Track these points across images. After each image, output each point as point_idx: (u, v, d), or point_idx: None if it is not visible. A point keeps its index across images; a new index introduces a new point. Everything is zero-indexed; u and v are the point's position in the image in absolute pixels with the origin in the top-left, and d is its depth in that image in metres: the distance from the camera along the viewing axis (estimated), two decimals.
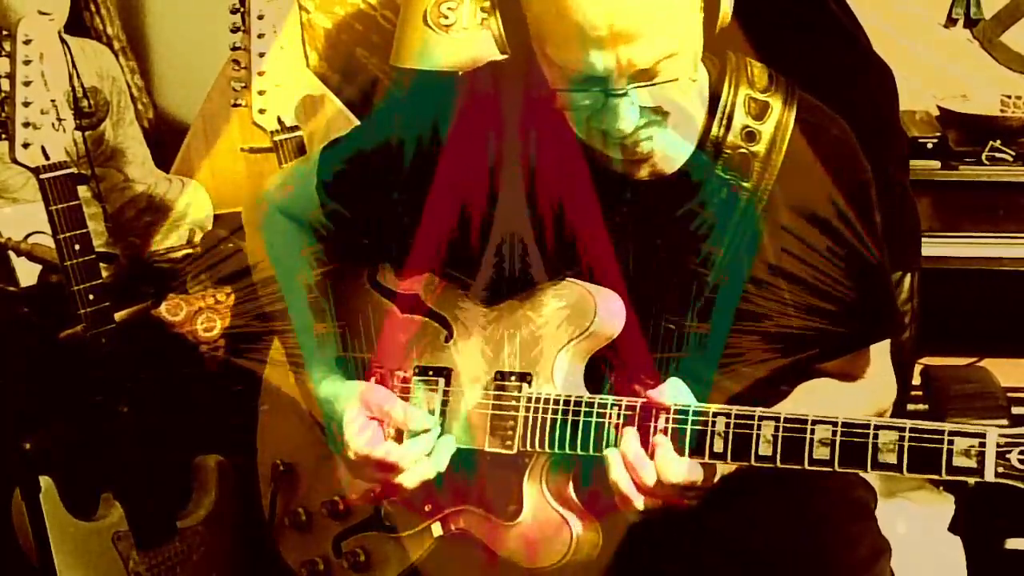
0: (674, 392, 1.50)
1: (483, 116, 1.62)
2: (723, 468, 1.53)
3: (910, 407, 2.24)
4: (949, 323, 2.46)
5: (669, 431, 1.47)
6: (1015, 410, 2.24)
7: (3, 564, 2.24)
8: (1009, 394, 2.29)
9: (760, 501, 1.60)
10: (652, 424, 1.48)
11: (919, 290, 2.26)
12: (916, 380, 2.38)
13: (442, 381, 1.66)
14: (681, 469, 1.45)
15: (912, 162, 2.53)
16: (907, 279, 2.25)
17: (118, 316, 2.27)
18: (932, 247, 2.65)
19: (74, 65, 2.40)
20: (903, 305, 2.24)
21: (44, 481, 2.13)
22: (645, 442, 1.48)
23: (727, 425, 1.46)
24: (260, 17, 2.53)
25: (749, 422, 1.45)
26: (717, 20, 1.47)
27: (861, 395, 1.65)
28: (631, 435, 1.48)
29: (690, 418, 1.47)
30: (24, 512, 2.13)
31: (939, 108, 2.96)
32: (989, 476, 1.34)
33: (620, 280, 1.60)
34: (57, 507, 2.14)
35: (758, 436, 1.44)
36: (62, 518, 2.14)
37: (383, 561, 1.73)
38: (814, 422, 1.42)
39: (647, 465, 1.46)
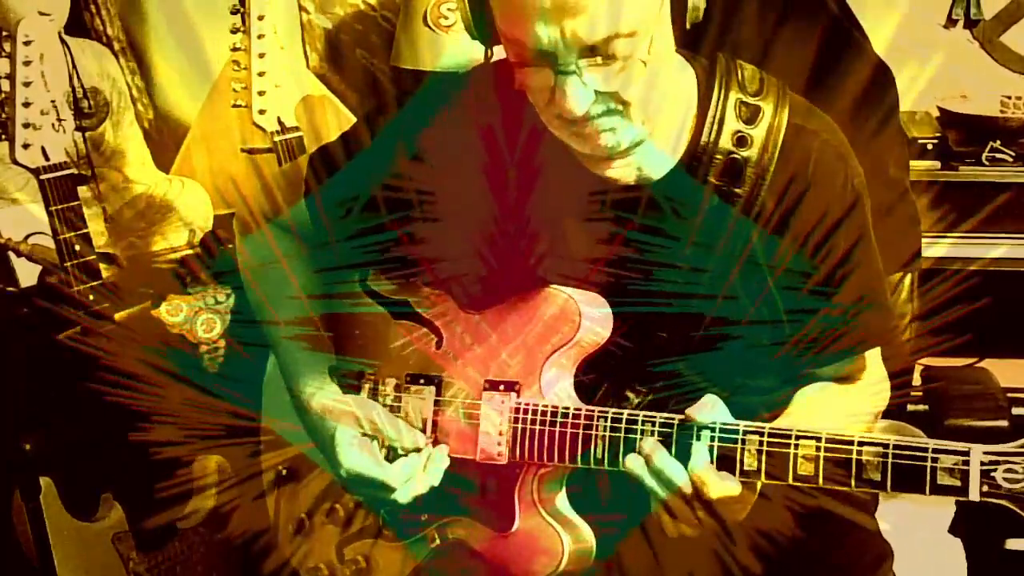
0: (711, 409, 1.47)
1: (475, 120, 1.61)
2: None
3: (910, 407, 2.24)
4: (949, 323, 2.45)
5: (716, 447, 1.44)
6: (1015, 410, 2.24)
7: (3, 564, 2.24)
8: (1009, 394, 2.29)
9: (762, 506, 1.60)
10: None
11: (919, 290, 2.26)
12: (916, 380, 2.38)
13: (433, 389, 1.66)
14: (719, 482, 1.43)
15: (912, 162, 2.53)
16: (907, 279, 2.25)
17: (118, 316, 2.27)
18: (932, 247, 2.65)
19: (74, 66, 2.40)
20: (903, 305, 2.24)
21: (44, 481, 2.13)
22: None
23: (711, 439, 1.45)
24: (260, 17, 2.53)
25: (734, 435, 1.44)
26: (687, 13, 1.44)
27: (860, 398, 1.64)
28: (656, 446, 1.46)
29: (675, 432, 1.46)
30: (24, 512, 2.13)
31: (939, 108, 2.96)
32: (973, 495, 1.32)
33: (606, 288, 1.59)
34: (57, 507, 2.14)
35: (742, 450, 1.43)
36: (62, 518, 2.14)
37: (384, 568, 1.73)
38: (798, 436, 1.41)
39: (685, 477, 1.44)
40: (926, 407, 2.29)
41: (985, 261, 2.78)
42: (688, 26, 1.45)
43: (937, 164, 2.79)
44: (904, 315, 2.24)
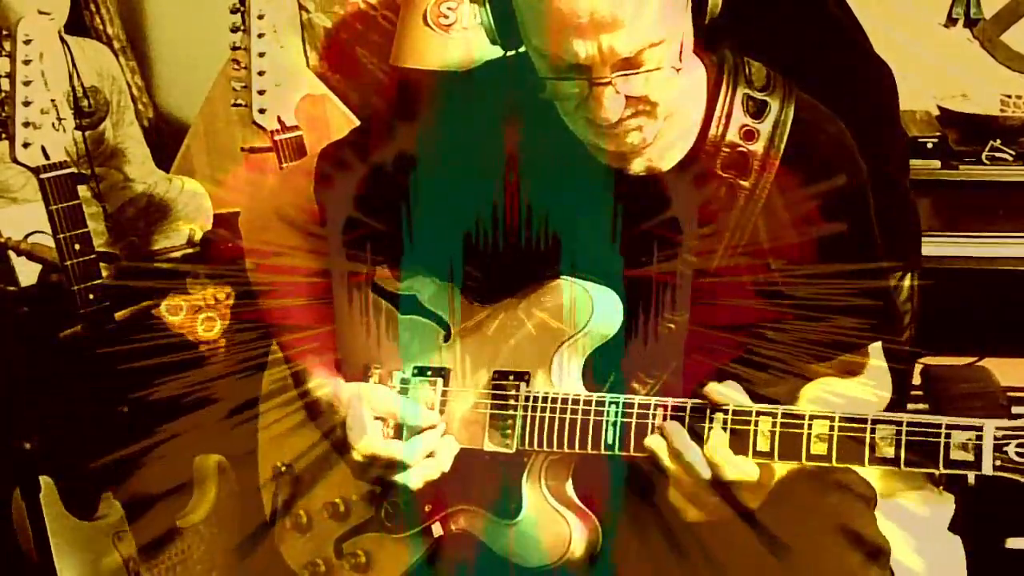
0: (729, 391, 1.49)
1: (481, 114, 1.62)
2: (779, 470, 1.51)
3: (910, 407, 2.23)
4: (949, 323, 2.46)
5: (729, 430, 1.45)
6: (1015, 410, 2.24)
7: (3, 564, 2.24)
8: (1009, 394, 2.29)
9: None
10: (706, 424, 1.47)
11: (919, 290, 2.26)
12: (916, 380, 2.38)
13: (440, 381, 1.66)
14: (735, 465, 1.44)
15: (912, 162, 2.53)
16: (907, 279, 2.25)
17: (118, 316, 2.27)
18: (932, 247, 2.65)
19: (74, 65, 2.41)
20: (903, 305, 2.24)
21: (44, 481, 2.13)
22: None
23: (724, 421, 1.46)
24: (260, 17, 2.53)
25: (747, 417, 1.45)
26: (707, 10, 1.46)
27: (862, 392, 1.65)
28: (679, 430, 1.47)
29: (687, 416, 1.47)
30: (24, 512, 2.13)
31: (939, 108, 2.95)
32: (987, 469, 1.34)
33: (616, 279, 1.60)
34: (57, 507, 2.14)
35: (755, 431, 1.44)
36: (62, 518, 2.14)
37: (384, 562, 1.73)
38: (812, 416, 1.42)
39: (702, 460, 1.45)
40: (926, 406, 2.29)
41: (985, 261, 2.78)
42: (707, 21, 1.47)
43: (937, 164, 2.79)
44: (904, 314, 2.24)
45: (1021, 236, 2.78)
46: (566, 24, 1.38)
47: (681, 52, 1.44)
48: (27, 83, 2.12)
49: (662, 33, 1.41)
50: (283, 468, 1.82)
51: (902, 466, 1.38)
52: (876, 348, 1.68)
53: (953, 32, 3.11)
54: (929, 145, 2.81)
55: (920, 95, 3.00)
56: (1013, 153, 2.78)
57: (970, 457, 1.35)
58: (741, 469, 1.44)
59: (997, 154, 2.78)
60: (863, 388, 1.65)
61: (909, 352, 2.27)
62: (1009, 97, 2.95)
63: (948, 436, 1.36)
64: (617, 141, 1.49)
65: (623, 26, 1.37)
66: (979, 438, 1.34)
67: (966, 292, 2.75)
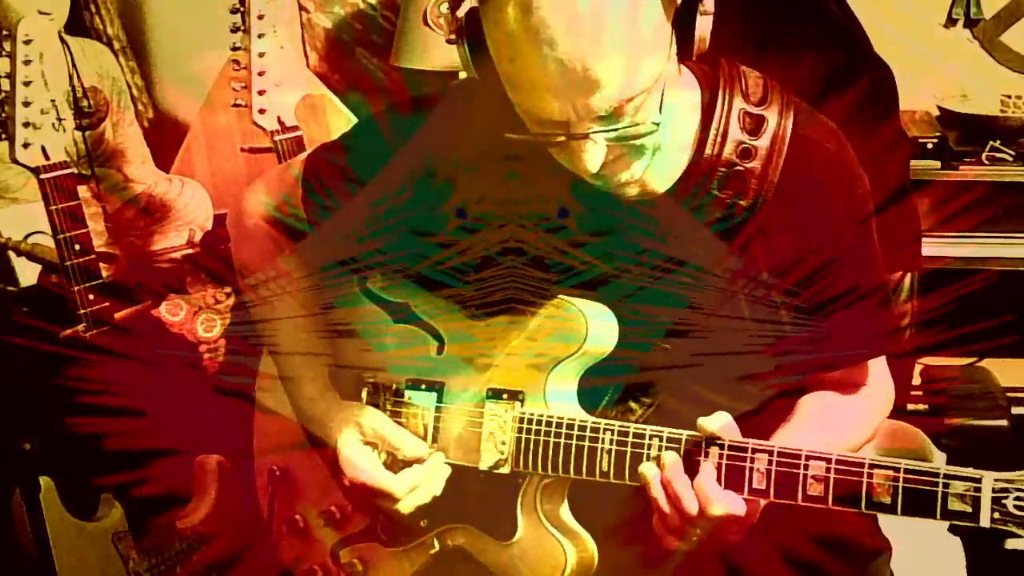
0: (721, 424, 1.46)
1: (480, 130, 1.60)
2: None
3: (910, 407, 2.23)
4: (949, 323, 2.46)
5: (724, 465, 1.42)
6: (1015, 410, 2.24)
7: (3, 564, 2.24)
8: (1009, 394, 2.29)
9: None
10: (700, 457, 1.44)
11: (919, 290, 2.26)
12: (916, 380, 2.38)
13: (435, 395, 1.65)
14: (723, 500, 1.41)
15: (912, 162, 2.53)
16: (907, 279, 2.25)
17: (118, 316, 2.27)
18: (932, 247, 2.64)
19: (74, 65, 2.40)
20: (903, 305, 2.24)
21: (44, 481, 2.13)
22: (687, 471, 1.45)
23: (720, 456, 1.43)
24: (260, 17, 2.53)
25: (743, 453, 1.43)
26: (693, 47, 1.41)
27: (864, 405, 1.63)
28: (675, 462, 1.44)
29: (682, 447, 1.45)
30: (24, 512, 2.13)
31: (939, 108, 2.96)
32: (984, 522, 1.31)
33: (612, 299, 1.58)
34: (57, 507, 2.14)
35: (751, 468, 1.42)
36: (62, 518, 2.14)
37: (381, 572, 1.72)
38: (808, 457, 1.40)
39: (690, 494, 1.42)
40: (926, 406, 2.29)
41: (985, 261, 2.78)
42: (694, 58, 1.44)
43: (937, 164, 2.79)
44: (904, 315, 2.24)
45: (1021, 236, 2.78)
46: (541, 85, 1.35)
47: (662, 103, 1.40)
48: (27, 83, 2.12)
49: (642, 86, 1.37)
50: (278, 472, 1.81)
51: (899, 513, 1.35)
52: (878, 359, 1.66)
53: (953, 32, 3.11)
54: (929, 145, 2.81)
55: (920, 95, 3.00)
56: (1013, 153, 2.79)
57: (968, 508, 1.32)
58: (729, 504, 1.42)
59: (997, 154, 2.78)
60: (863, 403, 1.63)
61: (909, 352, 2.27)
62: (1009, 97, 2.95)
63: (947, 486, 1.33)
64: (605, 181, 1.46)
65: (599, 86, 1.34)
66: (977, 489, 1.31)
67: (966, 292, 2.75)
